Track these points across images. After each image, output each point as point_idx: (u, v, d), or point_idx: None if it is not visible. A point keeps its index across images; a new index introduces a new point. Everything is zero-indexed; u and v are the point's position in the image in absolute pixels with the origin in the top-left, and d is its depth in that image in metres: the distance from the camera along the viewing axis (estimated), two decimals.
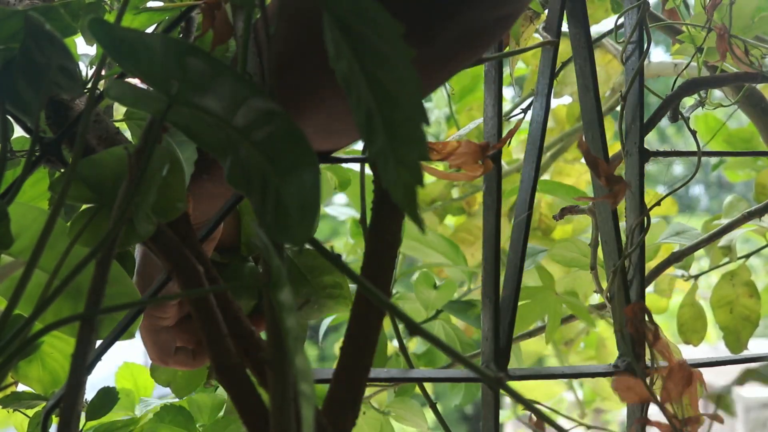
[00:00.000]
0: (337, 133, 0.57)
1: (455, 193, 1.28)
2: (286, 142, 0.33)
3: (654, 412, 0.69)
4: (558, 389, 1.54)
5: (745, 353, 0.94)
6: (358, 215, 1.19)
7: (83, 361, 0.36)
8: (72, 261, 0.37)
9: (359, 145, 0.79)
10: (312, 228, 0.32)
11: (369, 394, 0.89)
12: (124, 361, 0.86)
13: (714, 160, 1.22)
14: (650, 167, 0.75)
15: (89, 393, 0.61)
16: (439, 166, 0.70)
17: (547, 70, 0.70)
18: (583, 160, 1.30)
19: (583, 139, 0.70)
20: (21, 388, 0.64)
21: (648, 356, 0.69)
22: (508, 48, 0.85)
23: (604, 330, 1.37)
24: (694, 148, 0.77)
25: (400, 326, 0.80)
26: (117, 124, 0.56)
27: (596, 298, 0.96)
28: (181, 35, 0.59)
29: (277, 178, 0.33)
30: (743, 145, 1.11)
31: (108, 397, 0.62)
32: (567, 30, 0.74)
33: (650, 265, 0.88)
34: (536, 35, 1.00)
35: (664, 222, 1.07)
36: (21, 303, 0.36)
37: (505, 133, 0.68)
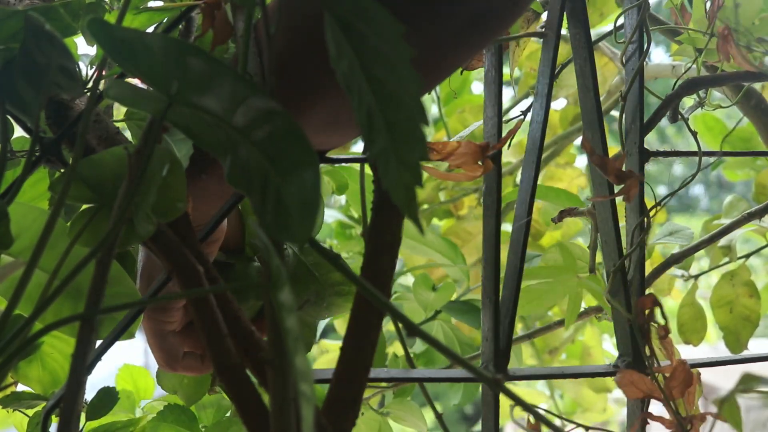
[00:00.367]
0: (337, 133, 0.57)
1: (442, 196, 1.28)
2: (287, 142, 0.33)
3: (655, 411, 0.69)
4: (540, 398, 1.54)
5: (745, 353, 0.94)
6: (345, 219, 1.19)
7: (83, 361, 0.36)
8: (72, 261, 0.37)
9: (358, 146, 0.79)
10: (312, 227, 0.32)
11: (369, 395, 0.89)
12: (125, 363, 0.86)
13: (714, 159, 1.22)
14: (650, 167, 0.75)
15: (89, 393, 0.60)
16: (440, 167, 0.70)
17: (547, 71, 0.70)
18: (575, 165, 1.30)
19: (584, 139, 0.70)
20: (21, 388, 0.64)
21: (649, 357, 0.69)
22: (508, 50, 0.85)
23: (590, 338, 1.36)
24: (695, 148, 0.77)
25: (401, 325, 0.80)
26: (117, 124, 0.56)
27: (584, 303, 0.95)
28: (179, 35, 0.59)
29: (277, 177, 0.33)
30: (743, 145, 1.11)
31: (108, 397, 0.62)
32: (565, 32, 0.74)
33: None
34: (534, 39, 1.01)
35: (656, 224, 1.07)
36: (21, 303, 0.36)
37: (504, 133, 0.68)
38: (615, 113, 1.10)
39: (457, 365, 0.91)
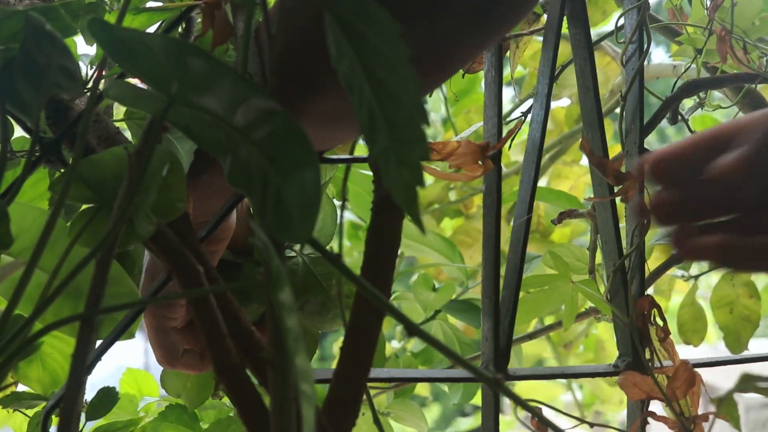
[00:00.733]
0: (336, 134, 0.57)
1: (453, 195, 1.28)
2: (287, 141, 0.33)
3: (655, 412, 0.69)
4: (557, 391, 1.55)
5: (745, 353, 0.94)
6: (356, 219, 1.19)
7: (83, 361, 0.36)
8: (72, 261, 0.37)
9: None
10: (313, 226, 0.32)
11: (372, 394, 0.88)
12: (128, 367, 0.86)
13: None
14: None
15: (89, 393, 0.60)
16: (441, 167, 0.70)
17: (547, 71, 0.70)
18: (582, 162, 1.30)
19: (584, 139, 0.70)
20: (21, 388, 0.64)
21: (649, 357, 0.69)
22: (509, 52, 0.85)
23: (603, 332, 1.37)
24: None
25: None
26: (117, 124, 0.56)
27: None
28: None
29: (278, 177, 0.33)
30: None
31: (108, 397, 0.62)
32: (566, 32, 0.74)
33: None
34: (537, 38, 1.01)
35: None
36: (21, 303, 0.36)
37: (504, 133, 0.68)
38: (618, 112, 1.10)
39: (457, 365, 0.91)
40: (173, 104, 0.35)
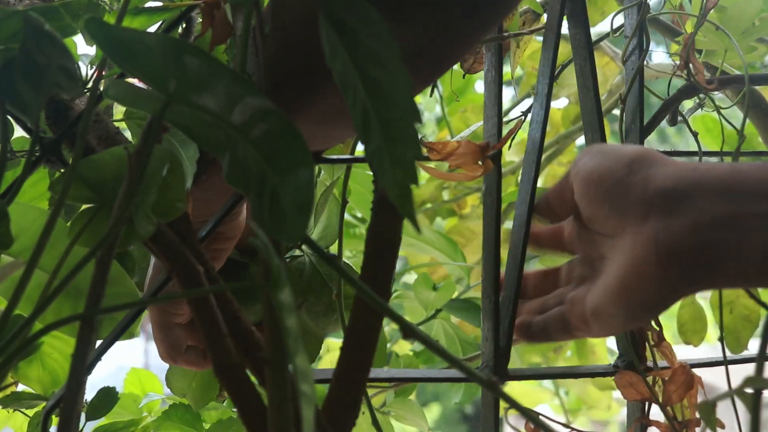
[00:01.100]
0: (331, 133, 0.57)
1: (446, 195, 1.28)
2: (283, 140, 0.33)
3: (655, 413, 0.69)
4: (544, 396, 1.54)
5: (745, 353, 0.94)
6: (349, 218, 1.19)
7: (83, 361, 0.36)
8: (72, 261, 0.37)
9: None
10: (306, 225, 0.32)
11: (369, 395, 0.89)
12: (132, 367, 0.86)
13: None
14: None
15: (89, 393, 0.61)
16: (442, 167, 0.70)
17: (547, 71, 0.70)
18: None
19: (584, 140, 0.70)
20: (21, 388, 0.64)
21: (649, 357, 0.69)
22: (509, 51, 0.85)
23: None
24: (695, 148, 0.77)
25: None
26: (117, 124, 0.56)
27: None
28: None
29: (275, 176, 0.33)
30: (743, 145, 1.11)
31: (108, 397, 0.62)
32: (566, 32, 0.74)
33: None
34: (537, 38, 1.01)
35: None
36: (21, 303, 0.36)
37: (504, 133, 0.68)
38: (617, 112, 1.10)
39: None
40: (172, 103, 0.35)
